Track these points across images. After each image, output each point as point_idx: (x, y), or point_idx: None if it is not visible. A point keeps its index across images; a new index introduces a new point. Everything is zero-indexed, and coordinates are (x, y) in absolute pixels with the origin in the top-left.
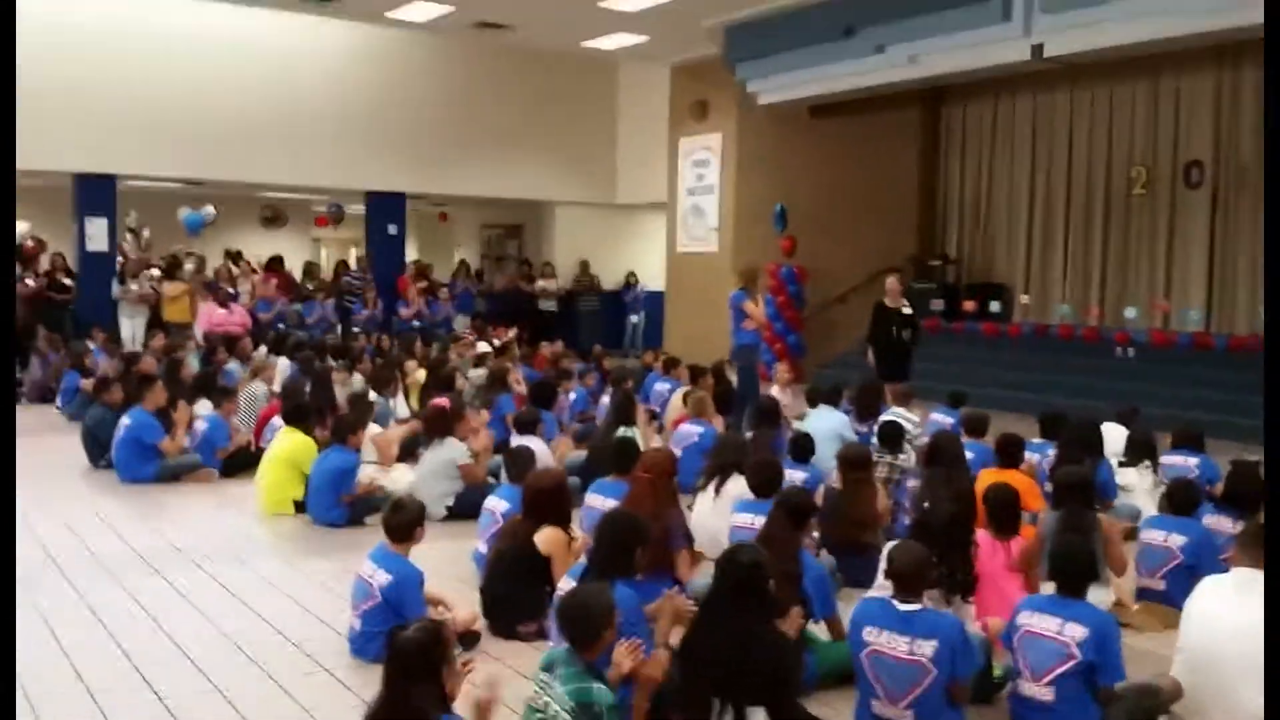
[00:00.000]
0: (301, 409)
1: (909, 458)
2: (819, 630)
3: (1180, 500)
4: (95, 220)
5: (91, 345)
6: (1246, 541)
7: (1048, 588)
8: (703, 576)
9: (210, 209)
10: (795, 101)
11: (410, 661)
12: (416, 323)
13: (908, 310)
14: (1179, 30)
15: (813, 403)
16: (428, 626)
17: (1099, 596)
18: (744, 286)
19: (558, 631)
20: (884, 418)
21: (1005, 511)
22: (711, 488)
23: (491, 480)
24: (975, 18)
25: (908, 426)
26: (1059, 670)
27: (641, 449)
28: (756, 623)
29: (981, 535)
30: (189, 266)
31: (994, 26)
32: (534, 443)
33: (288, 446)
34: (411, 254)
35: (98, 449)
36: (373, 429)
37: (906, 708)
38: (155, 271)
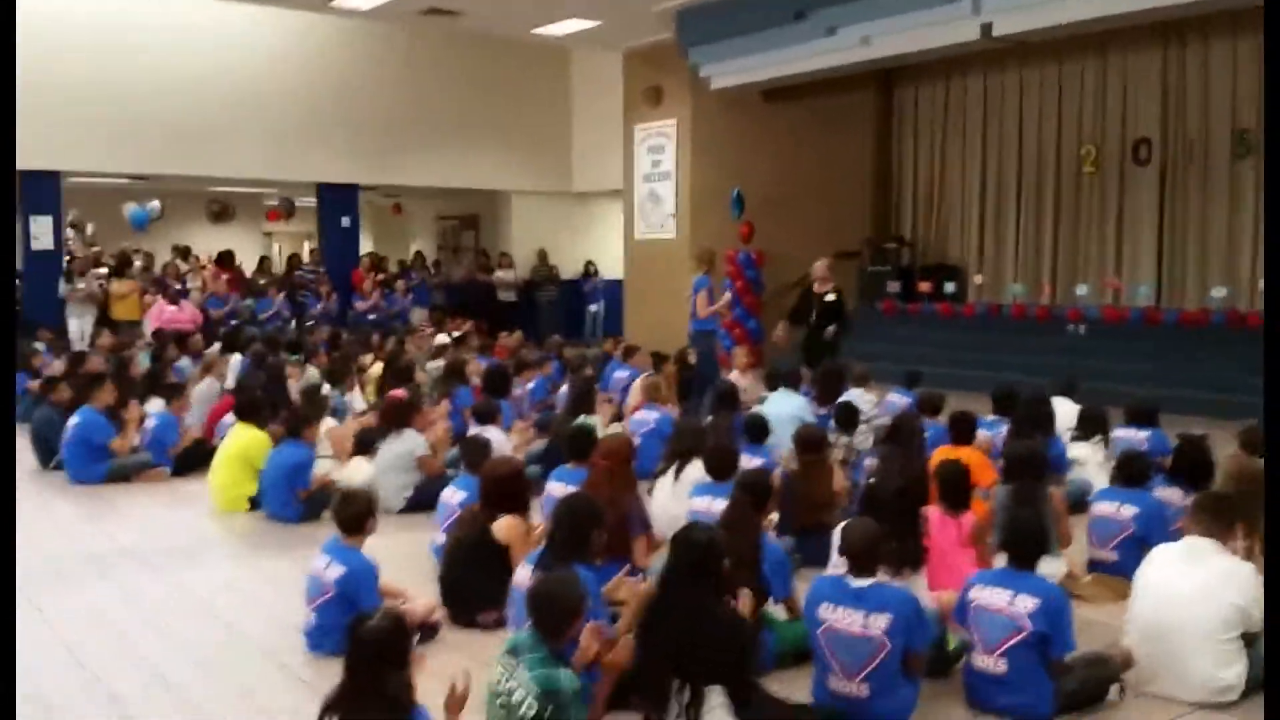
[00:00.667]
0: (254, 404)
1: (866, 438)
2: (777, 611)
3: (1131, 471)
4: (39, 219)
5: (39, 345)
6: (1198, 510)
7: (1000, 560)
8: (660, 560)
9: (156, 204)
10: (749, 85)
11: (379, 650)
12: (372, 316)
13: (831, 297)
14: (1125, 7)
15: (772, 386)
16: (391, 616)
17: (1050, 568)
18: (705, 272)
19: (524, 618)
20: (840, 399)
21: (955, 487)
22: (671, 473)
23: (450, 472)
24: None
25: (863, 407)
26: (1010, 642)
27: (600, 436)
28: (711, 601)
29: (932, 510)
30: (137, 264)
31: (944, 6)
32: (493, 433)
33: (240, 442)
34: (366, 246)
35: (47, 450)
36: (328, 423)
37: (862, 681)
38: (103, 270)
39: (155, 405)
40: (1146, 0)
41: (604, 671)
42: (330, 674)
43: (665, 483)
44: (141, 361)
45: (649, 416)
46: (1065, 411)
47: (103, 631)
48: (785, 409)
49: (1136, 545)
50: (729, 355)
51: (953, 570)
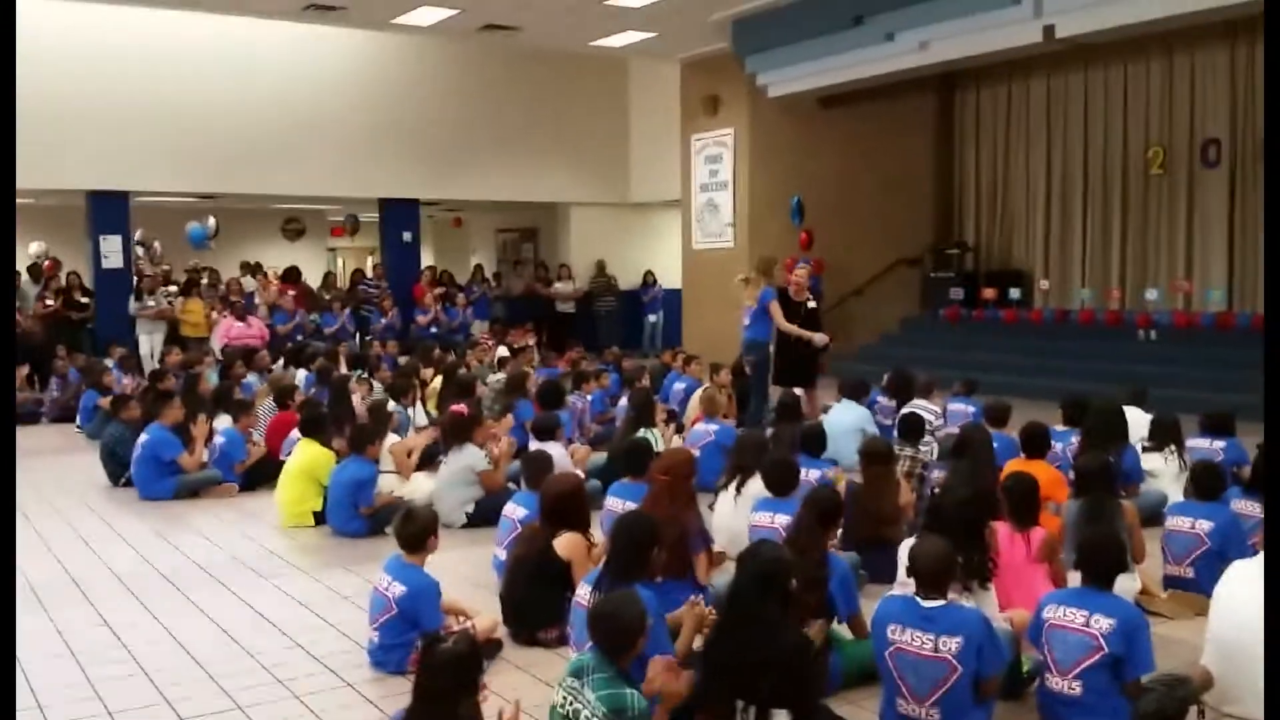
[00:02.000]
0: (318, 420)
1: (931, 449)
2: (843, 630)
3: (1204, 484)
4: (109, 238)
5: (109, 363)
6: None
7: (1075, 578)
8: (724, 576)
9: (212, 221)
10: (806, 93)
11: (453, 674)
12: (434, 329)
13: (813, 304)
14: (1189, 7)
15: (837, 397)
16: (465, 640)
17: (1124, 585)
18: (769, 284)
19: (585, 638)
20: (905, 410)
21: (1024, 502)
22: (733, 487)
23: (512, 486)
24: (985, 1)
25: (928, 417)
26: (1086, 663)
27: (660, 449)
28: (779, 621)
29: (1001, 526)
30: (204, 281)
31: (1004, 9)
32: (553, 448)
33: (305, 458)
34: (427, 260)
35: (117, 467)
36: (391, 438)
37: (933, 706)
38: (172, 287)
39: (223, 421)
40: None
41: (662, 700)
42: (393, 692)
43: (727, 498)
44: (210, 378)
45: (708, 429)
46: (1136, 421)
47: (170, 647)
48: (848, 420)
49: (1213, 561)
50: None
51: (1024, 588)
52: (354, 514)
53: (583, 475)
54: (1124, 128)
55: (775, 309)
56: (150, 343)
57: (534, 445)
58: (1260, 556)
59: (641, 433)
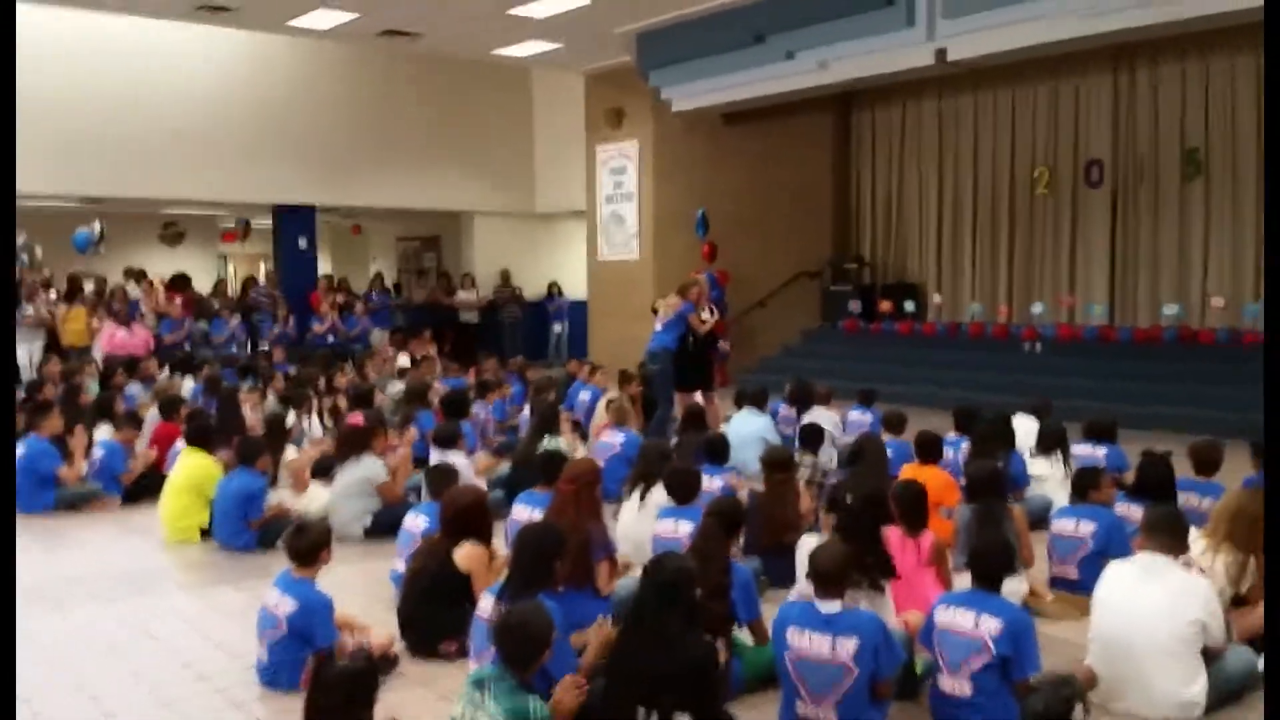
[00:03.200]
0: (203, 430)
1: (831, 458)
2: (744, 635)
3: (1085, 487)
4: None
5: None
6: (1150, 527)
7: (965, 579)
8: (628, 584)
9: (97, 225)
10: (709, 108)
11: (347, 693)
12: (331, 338)
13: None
14: (1076, 32)
15: (738, 406)
16: (361, 658)
17: (1012, 587)
18: (689, 299)
19: (486, 651)
20: (805, 419)
21: (913, 508)
22: (636, 496)
23: (412, 499)
24: (880, 23)
25: (829, 427)
26: (975, 664)
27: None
28: (681, 633)
29: (892, 532)
30: (88, 287)
31: (899, 32)
32: (456, 458)
33: (190, 470)
34: (325, 268)
35: None
36: (289, 451)
37: (830, 707)
38: (53, 294)
39: (104, 432)
40: (1097, 25)
41: (554, 712)
42: (284, 711)
43: (631, 506)
44: (90, 388)
45: (615, 439)
46: (1025, 429)
47: (49, 665)
48: (749, 429)
49: (1096, 562)
50: None
51: (915, 591)
52: (242, 527)
53: (486, 485)
54: (1012, 148)
55: (695, 320)
56: (29, 351)
57: (436, 455)
58: (1137, 557)
59: (548, 441)
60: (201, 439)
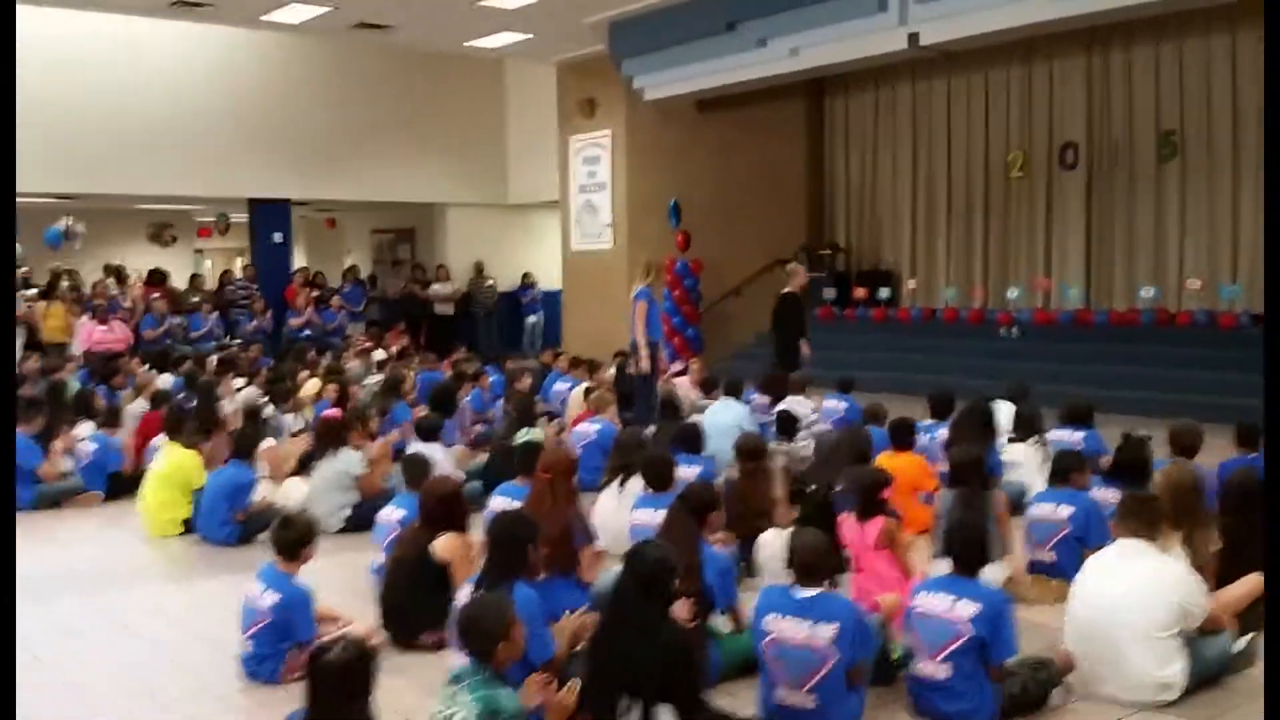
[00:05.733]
0: (182, 423)
1: (807, 445)
2: (722, 623)
3: (1063, 471)
4: None
5: None
6: (1126, 512)
7: (941, 565)
8: (607, 574)
9: (65, 220)
10: (682, 96)
11: (343, 680)
12: (307, 332)
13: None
14: (1048, 15)
15: (704, 391)
16: (355, 645)
17: (993, 573)
18: (648, 283)
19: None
20: (779, 407)
21: (865, 494)
22: (614, 485)
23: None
24: (852, 9)
25: (804, 414)
26: (951, 648)
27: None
28: (661, 619)
29: (846, 518)
30: (65, 284)
31: (871, 17)
32: (435, 449)
33: (172, 463)
34: (300, 261)
35: None
36: (265, 443)
37: (809, 692)
38: (31, 290)
39: (86, 429)
40: (1070, 8)
41: (550, 712)
42: (267, 702)
43: (609, 495)
44: (71, 384)
45: (590, 429)
46: (1002, 413)
47: (31, 660)
48: (726, 418)
49: (1074, 545)
50: (669, 364)
51: (874, 575)
52: (227, 520)
53: (464, 476)
54: (986, 132)
55: (641, 310)
56: None
57: (415, 446)
58: (1117, 544)
59: (524, 432)
60: (179, 431)
